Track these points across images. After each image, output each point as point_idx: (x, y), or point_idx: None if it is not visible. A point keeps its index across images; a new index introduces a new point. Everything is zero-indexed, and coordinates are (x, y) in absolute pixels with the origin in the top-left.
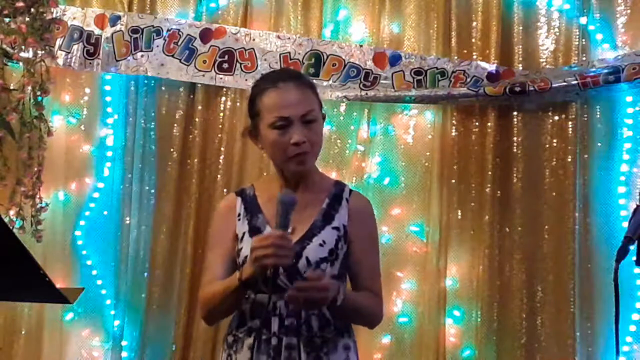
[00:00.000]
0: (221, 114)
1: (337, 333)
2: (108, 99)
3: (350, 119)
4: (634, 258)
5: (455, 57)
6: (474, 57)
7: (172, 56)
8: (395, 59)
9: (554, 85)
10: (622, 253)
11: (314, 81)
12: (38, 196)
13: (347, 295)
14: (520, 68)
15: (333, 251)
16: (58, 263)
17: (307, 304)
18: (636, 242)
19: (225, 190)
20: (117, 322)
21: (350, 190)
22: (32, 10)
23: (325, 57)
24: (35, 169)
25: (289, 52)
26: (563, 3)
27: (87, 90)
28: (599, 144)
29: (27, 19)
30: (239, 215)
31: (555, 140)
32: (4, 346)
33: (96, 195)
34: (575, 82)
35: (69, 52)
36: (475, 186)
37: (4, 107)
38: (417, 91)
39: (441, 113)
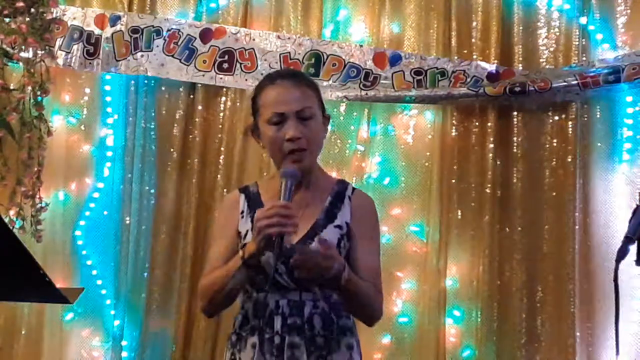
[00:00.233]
0: (221, 114)
1: (340, 332)
2: (108, 99)
3: (350, 119)
4: (634, 258)
5: (455, 57)
6: (474, 57)
7: (172, 56)
8: (395, 59)
9: (554, 85)
10: (622, 253)
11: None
12: (38, 196)
13: (352, 277)
14: (520, 68)
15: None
16: (58, 263)
17: (312, 270)
18: (636, 242)
19: (225, 190)
20: (117, 322)
21: (353, 189)
22: (32, 10)
23: (325, 57)
24: (35, 169)
25: (289, 52)
26: (563, 3)
27: (87, 90)
28: (599, 144)
29: (27, 19)
30: (242, 212)
31: (555, 140)
32: (4, 346)
33: (96, 195)
34: (575, 82)
35: (69, 52)
36: (475, 186)
37: (4, 107)
38: (417, 91)
39: (441, 113)
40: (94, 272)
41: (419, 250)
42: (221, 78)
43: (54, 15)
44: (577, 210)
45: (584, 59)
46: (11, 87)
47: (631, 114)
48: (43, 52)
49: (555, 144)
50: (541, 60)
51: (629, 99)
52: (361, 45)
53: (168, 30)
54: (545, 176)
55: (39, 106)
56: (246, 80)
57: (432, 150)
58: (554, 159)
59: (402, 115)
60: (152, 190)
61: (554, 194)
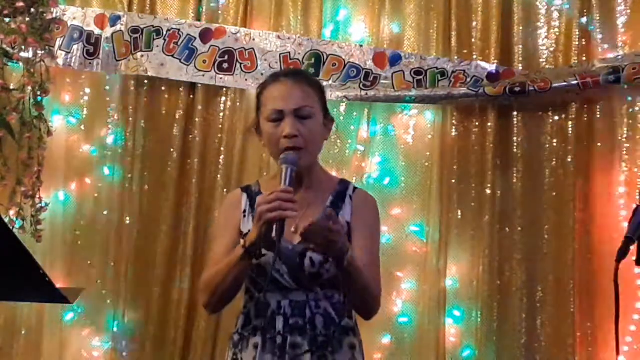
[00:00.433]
0: (221, 114)
1: (342, 332)
2: (108, 99)
3: (350, 119)
4: (634, 258)
5: (455, 57)
6: (474, 57)
7: (172, 56)
8: (395, 59)
9: (554, 85)
10: (622, 253)
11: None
12: (38, 196)
13: (354, 261)
14: (520, 68)
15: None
16: (58, 263)
17: (319, 242)
18: (636, 242)
19: (225, 190)
20: (117, 322)
21: (355, 188)
22: (32, 10)
23: (325, 57)
24: (35, 169)
25: (289, 52)
26: (563, 3)
27: (87, 90)
28: (599, 144)
29: (27, 19)
30: (244, 211)
31: (555, 140)
32: (4, 346)
33: (96, 195)
34: (575, 82)
35: (69, 52)
36: (475, 186)
37: (4, 107)
38: (417, 91)
39: (441, 113)
40: (94, 272)
41: (419, 250)
42: (221, 78)
43: (54, 15)
44: (577, 210)
45: (584, 59)
46: (11, 87)
47: (631, 114)
48: (43, 52)
49: (555, 144)
50: (541, 60)
51: (629, 99)
52: (361, 45)
53: (168, 30)
54: (545, 176)
55: (39, 106)
56: (246, 80)
57: (432, 150)
58: (554, 159)
59: (402, 115)
60: (152, 190)
61: (554, 194)
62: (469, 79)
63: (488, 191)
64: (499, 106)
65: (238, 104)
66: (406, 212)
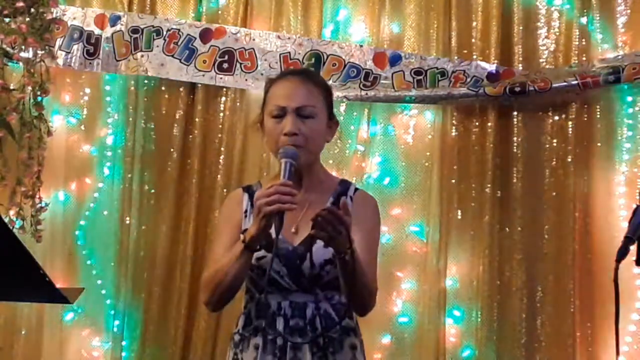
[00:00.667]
0: (221, 114)
1: (343, 332)
2: (108, 99)
3: (350, 119)
4: (634, 258)
5: (455, 57)
6: (474, 57)
7: (172, 56)
8: (395, 59)
9: (554, 85)
10: (622, 253)
11: None
12: (38, 196)
13: (357, 254)
14: (520, 68)
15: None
16: (58, 263)
17: (327, 229)
18: (636, 242)
19: (225, 190)
20: (117, 322)
21: (356, 189)
22: (32, 10)
23: (325, 57)
24: (35, 169)
25: (289, 52)
26: (563, 3)
27: (87, 90)
28: (599, 144)
29: (27, 19)
30: (246, 211)
31: (555, 140)
32: (4, 346)
33: (96, 195)
34: (575, 82)
35: (69, 52)
36: (475, 186)
37: (4, 107)
38: (417, 91)
39: (441, 113)
40: (94, 272)
41: (419, 250)
42: (221, 78)
43: (54, 15)
44: (577, 210)
45: (584, 59)
46: (11, 87)
47: (631, 114)
48: (43, 52)
49: (555, 144)
50: (541, 60)
51: (629, 99)
52: (361, 45)
53: (168, 30)
54: (545, 176)
55: (39, 106)
56: (246, 80)
57: (432, 150)
58: (554, 159)
59: (402, 115)
60: (152, 190)
61: (554, 194)
62: (469, 79)
63: (488, 191)
64: (499, 106)
65: (238, 104)
66: (406, 212)
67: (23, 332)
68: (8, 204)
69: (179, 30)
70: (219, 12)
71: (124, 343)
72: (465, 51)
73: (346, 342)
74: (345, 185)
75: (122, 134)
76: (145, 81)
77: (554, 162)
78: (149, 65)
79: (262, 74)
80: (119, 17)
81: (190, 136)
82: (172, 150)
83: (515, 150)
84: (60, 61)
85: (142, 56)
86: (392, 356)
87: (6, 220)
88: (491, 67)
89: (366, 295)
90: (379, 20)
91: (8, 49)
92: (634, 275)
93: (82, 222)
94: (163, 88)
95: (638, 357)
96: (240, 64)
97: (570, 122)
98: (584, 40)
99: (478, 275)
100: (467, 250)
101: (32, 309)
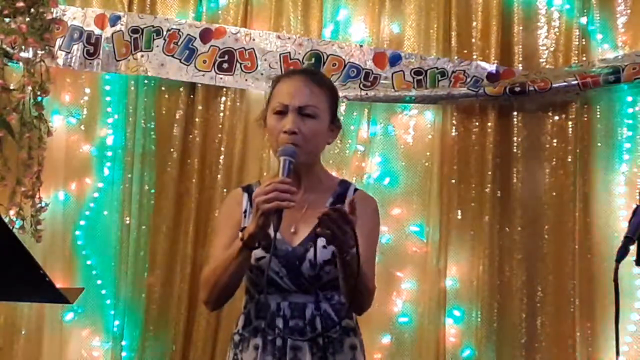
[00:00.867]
0: (221, 114)
1: (342, 333)
2: (108, 99)
3: (350, 119)
4: (634, 258)
5: (455, 57)
6: (474, 57)
7: (172, 56)
8: (395, 59)
9: (554, 85)
10: (622, 253)
11: None
12: (38, 196)
13: (357, 256)
14: (520, 68)
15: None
16: (58, 263)
17: (333, 228)
18: (636, 242)
19: (225, 190)
20: (117, 322)
21: (356, 189)
22: (32, 10)
23: (325, 57)
24: (35, 169)
25: (289, 52)
26: (563, 3)
27: (87, 90)
28: (599, 144)
29: (27, 19)
30: (245, 211)
31: (555, 140)
32: (4, 346)
33: (96, 195)
34: (575, 82)
35: (69, 52)
36: (475, 186)
37: (4, 107)
38: (417, 91)
39: (441, 113)
40: (94, 272)
41: (419, 250)
42: (221, 78)
43: (54, 15)
44: (577, 210)
45: (584, 59)
46: (11, 87)
47: (631, 114)
48: (43, 52)
49: (555, 144)
50: (541, 60)
51: (629, 99)
52: (361, 45)
53: (168, 30)
54: (545, 176)
55: (39, 106)
56: (246, 80)
57: (432, 150)
58: (554, 159)
59: (402, 115)
60: (152, 190)
61: (554, 194)
62: (469, 79)
63: (488, 191)
64: (499, 106)
65: (238, 104)
66: (406, 212)
67: (23, 332)
68: (8, 204)
69: (179, 30)
70: (219, 12)
71: (124, 343)
72: (465, 51)
73: (346, 342)
74: (345, 185)
75: (122, 134)
76: (145, 81)
77: (554, 162)
78: (149, 65)
79: (262, 74)
80: (119, 17)
81: (190, 136)
82: (172, 150)
83: (515, 150)
84: (60, 61)
85: (142, 56)
86: (392, 356)
87: (6, 220)
88: (491, 67)
89: (365, 294)
90: (379, 20)
91: (8, 49)
92: (634, 275)
93: (82, 222)
94: (163, 88)
95: (638, 357)
96: (240, 64)
97: (570, 122)
98: (584, 40)
99: (478, 275)
100: (467, 250)
101: (32, 309)
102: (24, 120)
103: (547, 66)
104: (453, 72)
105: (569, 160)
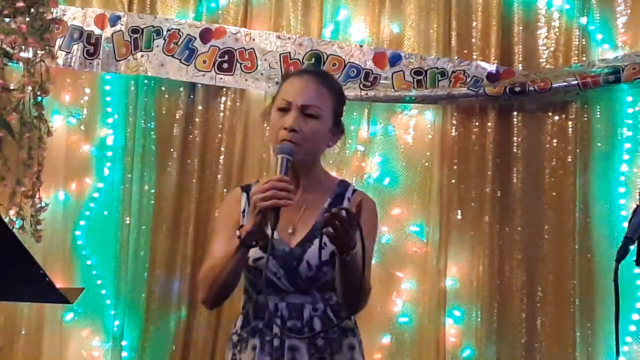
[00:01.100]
0: (221, 114)
1: (341, 333)
2: (108, 99)
3: (350, 119)
4: (634, 258)
5: (455, 57)
6: (474, 57)
7: (172, 56)
8: (395, 59)
9: (554, 85)
10: (622, 253)
11: None
12: (38, 196)
13: (356, 256)
14: (520, 68)
15: (334, 253)
16: (58, 263)
17: (338, 228)
18: (636, 242)
19: (225, 190)
20: (117, 322)
21: (354, 190)
22: (32, 10)
23: (325, 57)
24: (35, 169)
25: (289, 52)
26: (563, 3)
27: (87, 90)
28: (599, 144)
29: (27, 19)
30: (244, 210)
31: (555, 140)
32: (4, 346)
33: (96, 195)
34: (575, 82)
35: (69, 52)
36: (475, 186)
37: (4, 107)
38: (417, 91)
39: (441, 113)
40: (94, 272)
41: (419, 250)
42: (221, 78)
43: (54, 15)
44: (577, 210)
45: (584, 59)
46: (11, 87)
47: (631, 114)
48: (43, 52)
49: (555, 144)
50: (541, 60)
51: (629, 99)
52: (361, 45)
53: (168, 30)
54: (545, 176)
55: (39, 106)
56: (246, 80)
57: (432, 150)
58: (554, 159)
59: (402, 115)
60: (152, 190)
61: (554, 194)
62: (469, 79)
63: (488, 191)
64: (499, 106)
65: (238, 104)
66: (406, 212)
67: (23, 332)
68: (8, 204)
69: (179, 30)
70: (219, 12)
71: (124, 343)
72: (465, 51)
73: (345, 343)
74: (344, 186)
75: (122, 134)
76: (145, 81)
77: (554, 162)
78: (149, 65)
79: (262, 74)
80: (119, 17)
81: (190, 136)
82: (172, 150)
83: (515, 150)
84: (60, 61)
85: (142, 56)
86: (392, 356)
87: (6, 220)
88: (491, 67)
89: (361, 295)
90: (379, 20)
91: (8, 49)
92: (634, 275)
93: (82, 222)
94: (163, 88)
95: (638, 358)
96: (240, 64)
97: (570, 122)
98: (584, 40)
99: (478, 275)
100: (467, 250)
101: (32, 309)
102: (24, 120)
103: (547, 66)
104: (453, 72)
105: (569, 160)
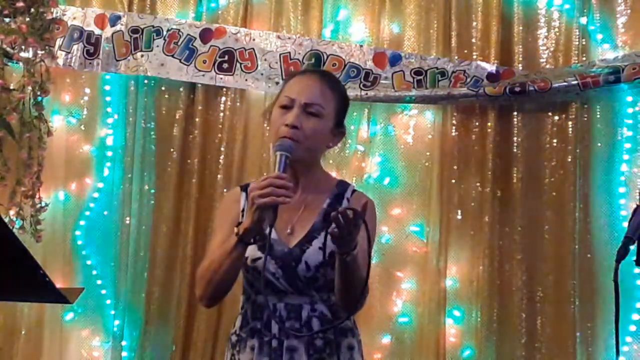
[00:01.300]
0: (221, 114)
1: (340, 333)
2: (108, 99)
3: (350, 119)
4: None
5: (455, 57)
6: (474, 57)
7: (172, 56)
8: (395, 59)
9: (554, 85)
10: (622, 253)
11: None
12: (38, 196)
13: (357, 257)
14: (520, 68)
15: (333, 254)
16: (58, 263)
17: (343, 228)
18: (636, 242)
19: (225, 190)
20: (117, 322)
21: (354, 190)
22: (32, 10)
23: (325, 57)
24: (35, 169)
25: (289, 52)
26: (563, 3)
27: (87, 90)
28: (599, 144)
29: (27, 19)
30: (243, 210)
31: (555, 140)
32: (4, 346)
33: (96, 195)
34: (576, 82)
35: (69, 52)
36: (475, 186)
37: (4, 107)
38: (417, 91)
39: (441, 113)
40: (94, 272)
41: (419, 250)
42: (221, 78)
43: (54, 15)
44: (577, 210)
45: (584, 59)
46: (11, 87)
47: (631, 114)
48: (43, 52)
49: (555, 144)
50: (541, 60)
51: (629, 99)
52: (361, 45)
53: (168, 30)
54: (545, 176)
55: (38, 106)
56: (246, 80)
57: (432, 150)
58: (554, 159)
59: (402, 115)
60: (152, 190)
61: (554, 194)
62: (469, 79)
63: (488, 191)
64: (499, 106)
65: (238, 104)
66: (406, 212)
67: (23, 332)
68: (8, 204)
69: (179, 30)
70: (219, 12)
71: (124, 343)
72: (465, 51)
73: (344, 343)
74: (343, 186)
75: (122, 134)
76: (145, 81)
77: (554, 162)
78: (149, 65)
79: (262, 74)
80: (119, 17)
81: (190, 136)
82: (172, 150)
83: (515, 150)
84: (60, 61)
85: (142, 56)
86: (392, 356)
87: (6, 220)
88: (491, 67)
89: (360, 295)
90: (379, 20)
91: (8, 49)
92: (634, 275)
93: (82, 222)
94: (163, 88)
95: (638, 358)
96: (240, 64)
97: (570, 122)
98: (584, 40)
99: (478, 275)
100: (467, 250)
101: (32, 309)
102: (24, 120)
103: (547, 66)
104: (453, 72)
105: (569, 160)
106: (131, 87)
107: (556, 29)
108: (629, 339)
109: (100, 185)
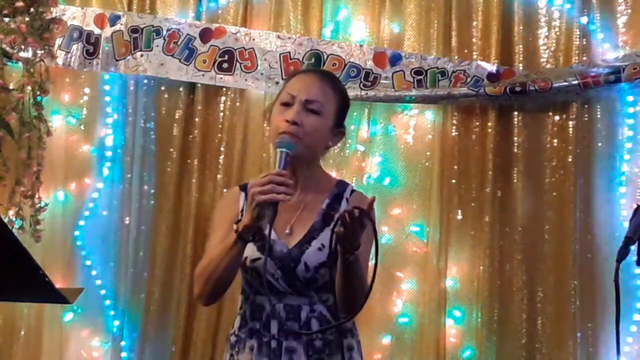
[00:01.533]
0: (221, 114)
1: (339, 334)
2: (107, 98)
3: (350, 119)
4: (635, 258)
5: (456, 57)
6: (474, 57)
7: (172, 56)
8: (395, 59)
9: (554, 85)
10: (623, 253)
11: None
12: (37, 196)
13: (359, 257)
14: (521, 68)
15: (332, 254)
16: (58, 263)
17: (349, 228)
18: (637, 242)
19: (225, 190)
20: (117, 322)
21: (353, 190)
22: (32, 10)
23: (325, 57)
24: (35, 169)
25: (289, 52)
26: (564, 3)
27: (87, 90)
28: (599, 144)
29: (27, 18)
30: (242, 209)
31: (555, 140)
32: (4, 346)
33: (96, 195)
34: (576, 82)
35: (68, 52)
36: (475, 186)
37: (3, 107)
38: (418, 91)
39: (441, 113)
40: (94, 272)
41: (419, 250)
42: (221, 78)
43: (54, 15)
44: (577, 210)
45: (585, 58)
46: (11, 87)
47: (631, 113)
48: (42, 51)
49: (555, 144)
50: (542, 60)
51: (630, 98)
52: (361, 45)
53: (168, 30)
54: (545, 176)
55: (38, 106)
56: (246, 80)
57: (432, 150)
58: (554, 159)
59: (402, 115)
60: (152, 190)
61: (554, 194)
62: (469, 79)
63: (488, 191)
64: (499, 106)
65: (238, 104)
66: (406, 212)
67: (23, 332)
68: (7, 204)
69: (178, 30)
70: (219, 11)
71: (124, 343)
72: (466, 51)
73: (343, 344)
74: (342, 186)
75: (122, 134)
76: (145, 81)
77: (555, 162)
78: (148, 65)
79: (262, 74)
80: (118, 17)
81: (190, 136)
82: (172, 150)
83: (515, 150)
84: (59, 61)
85: (141, 56)
86: (392, 356)
87: (6, 220)
88: (491, 67)
89: (359, 295)
90: (379, 20)
91: (8, 48)
92: (634, 275)
93: (81, 222)
94: (163, 88)
95: (639, 358)
96: (240, 63)
97: (570, 122)
98: (584, 40)
99: (478, 275)
100: (467, 250)
101: (32, 309)
102: (24, 120)
103: (548, 66)
104: (453, 72)
105: (569, 160)
106: (131, 87)
107: (557, 29)
108: (629, 339)
109: (100, 185)
